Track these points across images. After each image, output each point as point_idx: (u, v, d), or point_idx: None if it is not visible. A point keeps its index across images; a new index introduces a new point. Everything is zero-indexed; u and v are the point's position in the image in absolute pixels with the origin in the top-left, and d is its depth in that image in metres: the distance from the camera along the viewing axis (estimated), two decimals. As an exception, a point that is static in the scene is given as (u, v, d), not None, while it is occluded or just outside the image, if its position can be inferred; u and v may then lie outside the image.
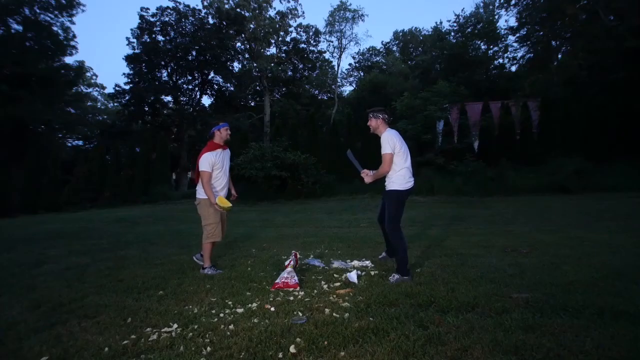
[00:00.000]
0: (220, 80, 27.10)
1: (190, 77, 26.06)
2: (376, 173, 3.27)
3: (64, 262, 4.31)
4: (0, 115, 17.45)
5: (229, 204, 3.54)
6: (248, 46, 26.14)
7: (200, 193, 3.62)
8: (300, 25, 27.59)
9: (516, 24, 19.13)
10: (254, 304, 2.58)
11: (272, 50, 27.64)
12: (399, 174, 3.17)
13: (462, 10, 39.59)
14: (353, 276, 3.10)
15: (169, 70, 25.30)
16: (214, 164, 3.53)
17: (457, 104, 16.18)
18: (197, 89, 26.76)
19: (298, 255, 3.53)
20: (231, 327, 2.20)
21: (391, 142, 3.14)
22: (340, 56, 29.30)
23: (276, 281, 3.03)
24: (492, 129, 15.66)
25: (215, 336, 2.08)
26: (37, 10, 19.53)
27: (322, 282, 3.06)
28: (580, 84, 14.10)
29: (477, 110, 16.41)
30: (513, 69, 25.74)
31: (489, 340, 1.86)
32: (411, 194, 3.29)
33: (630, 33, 11.85)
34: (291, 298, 2.69)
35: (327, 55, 29.48)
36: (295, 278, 3.04)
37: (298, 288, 2.93)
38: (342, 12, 27.39)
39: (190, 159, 23.80)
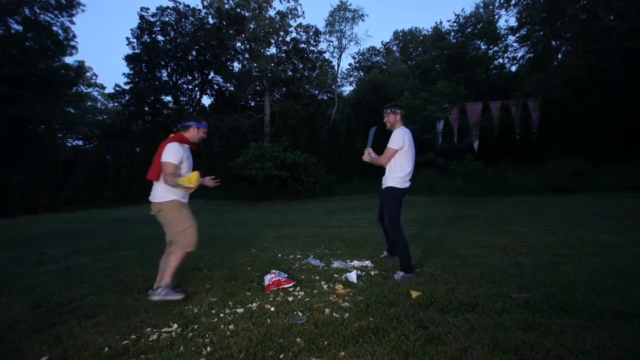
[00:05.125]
0: (220, 80, 27.09)
1: (190, 77, 26.05)
2: (375, 159, 3.42)
3: (64, 262, 4.30)
4: (0, 115, 17.44)
5: (197, 177, 2.74)
6: (248, 46, 26.10)
7: (160, 195, 2.80)
8: (300, 25, 27.52)
9: (516, 24, 19.19)
10: (254, 304, 2.58)
11: (272, 50, 27.60)
12: (398, 176, 3.23)
13: (462, 10, 39.61)
14: (353, 276, 3.10)
15: (169, 70, 25.29)
16: (180, 160, 2.76)
17: (457, 104, 16.20)
18: (197, 89, 26.76)
19: (282, 280, 3.00)
20: (231, 327, 2.20)
21: (401, 140, 3.21)
22: (340, 56, 29.28)
23: (266, 283, 3.00)
24: (492, 129, 15.67)
25: (215, 336, 2.08)
26: (37, 10, 19.50)
27: (322, 282, 3.06)
28: (580, 84, 14.10)
29: (477, 110, 16.41)
30: (513, 69, 25.81)
31: (489, 340, 1.85)
32: (407, 193, 3.34)
33: (630, 33, 11.84)
34: (291, 298, 2.69)
35: (327, 55, 29.44)
36: (284, 275, 3.04)
37: (293, 284, 2.94)
38: (342, 12, 27.37)
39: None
